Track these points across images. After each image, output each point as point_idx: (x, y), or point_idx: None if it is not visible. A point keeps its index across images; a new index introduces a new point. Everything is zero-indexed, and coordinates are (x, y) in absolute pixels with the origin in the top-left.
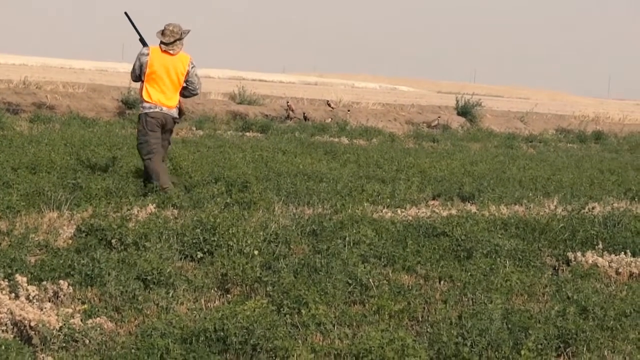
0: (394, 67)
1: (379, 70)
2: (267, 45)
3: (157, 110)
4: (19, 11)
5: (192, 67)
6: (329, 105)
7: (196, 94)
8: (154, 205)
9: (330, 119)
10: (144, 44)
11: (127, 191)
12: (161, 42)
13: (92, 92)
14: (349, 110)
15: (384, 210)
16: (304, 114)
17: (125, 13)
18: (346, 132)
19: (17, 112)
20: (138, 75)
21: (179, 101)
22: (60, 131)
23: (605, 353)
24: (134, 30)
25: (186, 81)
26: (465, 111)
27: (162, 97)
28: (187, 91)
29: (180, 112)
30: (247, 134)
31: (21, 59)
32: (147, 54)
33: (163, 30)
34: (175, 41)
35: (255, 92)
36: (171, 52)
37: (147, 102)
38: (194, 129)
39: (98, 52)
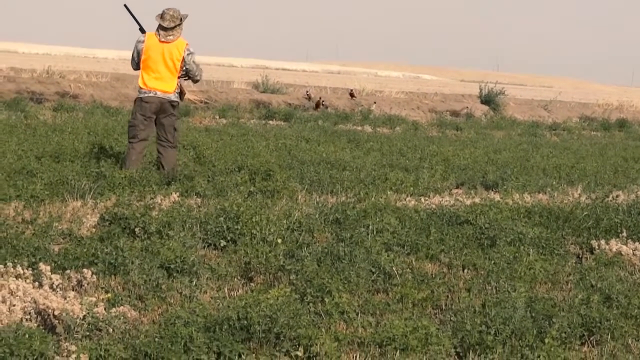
0: (417, 55)
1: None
2: (290, 34)
3: (151, 95)
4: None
5: (188, 54)
6: (352, 95)
7: (197, 81)
8: (177, 193)
9: (354, 109)
10: (143, 32)
11: (150, 180)
12: (159, 27)
13: (116, 81)
14: (374, 103)
15: (407, 199)
16: (320, 101)
17: (125, 5)
18: (369, 120)
19: (40, 102)
20: (137, 63)
21: (178, 83)
22: (84, 120)
23: (630, 341)
24: (134, 21)
25: (185, 69)
26: (488, 99)
27: (158, 83)
28: (189, 73)
29: (181, 93)
30: (270, 122)
31: (44, 48)
32: (143, 41)
33: (162, 14)
34: (175, 27)
35: (279, 80)
36: (170, 38)
37: (142, 88)
38: (217, 117)
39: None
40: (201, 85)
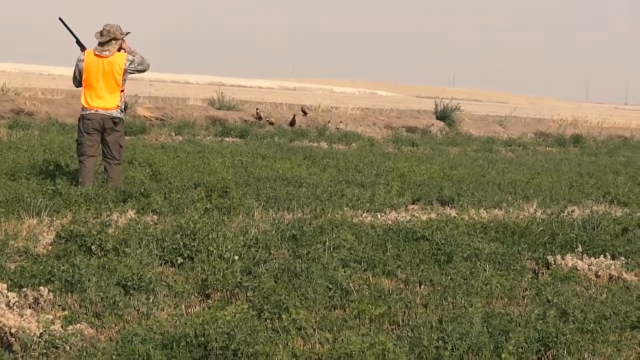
0: (372, 72)
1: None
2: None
3: (92, 112)
4: None
5: (129, 63)
6: (304, 112)
7: (148, 68)
8: (134, 211)
9: (309, 125)
10: (82, 47)
11: (106, 197)
12: (98, 44)
13: (71, 98)
14: (341, 122)
15: (363, 215)
16: (267, 118)
17: (60, 19)
18: (325, 136)
19: None
20: (79, 81)
21: (122, 98)
22: (40, 137)
23: (586, 356)
24: (71, 35)
25: (132, 69)
26: (444, 115)
27: (99, 102)
28: (138, 71)
29: (126, 107)
30: (227, 139)
31: None
32: (83, 60)
33: (101, 31)
34: (110, 40)
35: (234, 97)
36: (105, 53)
37: (84, 107)
38: (173, 134)
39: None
40: (156, 101)
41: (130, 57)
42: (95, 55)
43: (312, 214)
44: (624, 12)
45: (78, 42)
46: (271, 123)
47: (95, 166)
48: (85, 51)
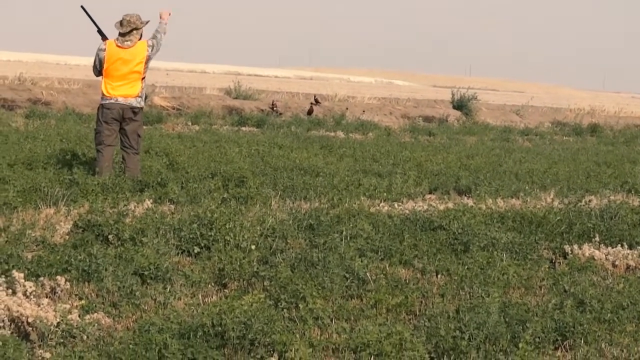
0: (389, 61)
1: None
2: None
3: (112, 101)
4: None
5: (151, 49)
6: (317, 101)
7: (159, 44)
8: (151, 200)
9: (325, 114)
10: (103, 35)
11: (123, 187)
12: (119, 34)
13: (88, 87)
14: (363, 111)
15: (380, 204)
16: (273, 105)
17: (82, 7)
18: (342, 126)
19: (12, 109)
20: (99, 70)
21: (143, 87)
22: (56, 127)
23: (603, 346)
24: (92, 23)
25: (153, 54)
26: (460, 105)
27: (120, 90)
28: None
29: (145, 97)
30: (243, 128)
31: (16, 55)
32: (104, 49)
33: (121, 21)
34: (131, 30)
35: (251, 86)
36: (128, 44)
37: (105, 95)
38: (190, 123)
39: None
40: (173, 91)
41: (151, 42)
42: (117, 46)
43: (329, 204)
44: None
45: (99, 31)
46: (280, 113)
47: (113, 155)
48: (107, 41)
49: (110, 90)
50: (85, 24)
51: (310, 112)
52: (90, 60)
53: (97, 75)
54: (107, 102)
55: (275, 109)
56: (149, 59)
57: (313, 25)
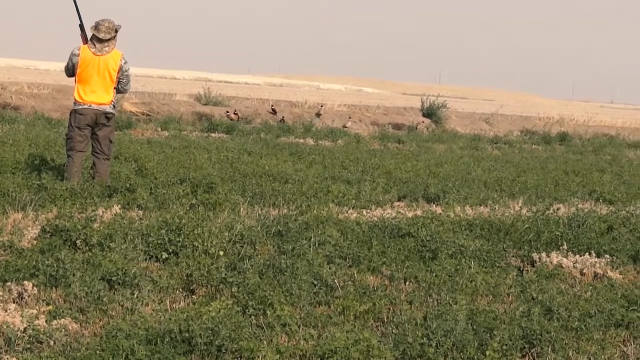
0: (359, 68)
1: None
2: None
3: (85, 107)
4: None
5: (124, 63)
6: (274, 111)
7: (127, 91)
8: (119, 206)
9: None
10: (82, 31)
11: (92, 192)
12: (93, 38)
13: (57, 92)
14: (321, 106)
15: (349, 211)
16: (231, 113)
17: None
18: (311, 133)
19: None
20: (72, 73)
21: (114, 95)
22: (25, 132)
23: (570, 354)
24: (77, 15)
25: (119, 79)
26: (430, 112)
27: (94, 96)
28: (118, 87)
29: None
30: (213, 134)
31: None
32: (78, 54)
33: (97, 26)
34: (110, 39)
35: (221, 93)
36: (106, 50)
37: (78, 101)
38: (159, 129)
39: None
40: (143, 97)
41: (124, 60)
42: (93, 53)
43: (298, 210)
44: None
45: (81, 26)
46: (231, 119)
47: (83, 162)
48: (81, 46)
49: (83, 96)
50: (56, 29)
51: (274, 112)
52: (60, 66)
53: (68, 76)
54: (81, 107)
55: (234, 115)
56: (120, 70)
57: (283, 32)
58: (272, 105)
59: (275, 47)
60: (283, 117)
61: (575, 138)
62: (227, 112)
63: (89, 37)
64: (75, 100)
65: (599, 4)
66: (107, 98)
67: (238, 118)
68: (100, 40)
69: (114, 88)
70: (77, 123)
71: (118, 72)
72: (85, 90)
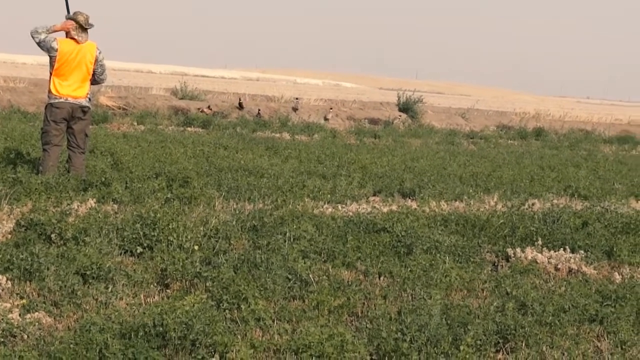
0: (336, 63)
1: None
2: (209, 41)
3: (62, 100)
4: None
5: (99, 53)
6: (241, 106)
7: (103, 81)
8: (94, 200)
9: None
10: (67, 9)
11: (67, 186)
12: (81, 28)
13: (34, 86)
14: (297, 98)
15: (324, 206)
16: (204, 108)
17: None
18: (288, 127)
19: None
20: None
21: (90, 88)
22: (1, 125)
23: (544, 349)
24: (65, 7)
25: (96, 68)
26: (406, 107)
27: (70, 90)
28: (93, 78)
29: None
30: (189, 129)
31: None
32: (57, 49)
33: (75, 17)
34: (86, 30)
35: (197, 87)
36: (81, 39)
37: (54, 94)
38: (136, 123)
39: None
40: (119, 91)
41: (99, 50)
42: (76, 41)
43: (273, 205)
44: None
45: (67, 11)
46: (206, 114)
47: (59, 156)
48: (58, 39)
49: (60, 90)
50: (33, 23)
51: (241, 106)
52: (37, 59)
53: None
54: (57, 101)
55: (207, 109)
56: (97, 61)
57: (261, 26)
58: (240, 100)
59: (253, 41)
60: (259, 111)
61: (551, 133)
62: (199, 107)
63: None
64: (51, 93)
65: (576, 1)
66: (83, 91)
67: (213, 113)
68: (85, 30)
69: (90, 80)
70: (54, 117)
71: (94, 64)
72: (62, 84)
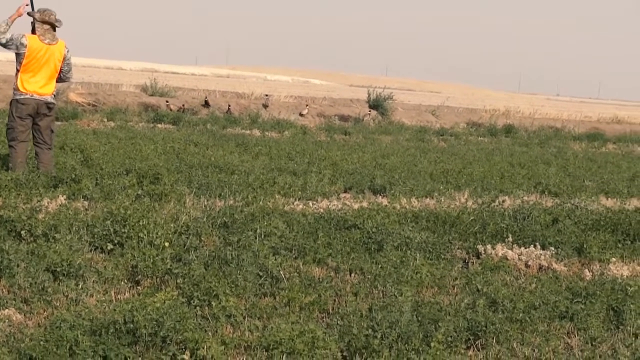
0: (306, 60)
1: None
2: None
3: (27, 97)
4: None
5: (67, 52)
6: (207, 103)
7: (69, 79)
8: (64, 196)
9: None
10: (32, 8)
11: (37, 182)
12: (44, 26)
13: (3, 82)
14: (266, 95)
15: (295, 203)
16: (170, 104)
17: None
18: (258, 124)
19: None
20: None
21: (56, 85)
22: None
23: (514, 345)
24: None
25: (63, 67)
26: (377, 104)
27: (37, 87)
28: (59, 76)
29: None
30: (159, 125)
31: None
32: (26, 45)
33: (49, 15)
34: (55, 28)
35: (167, 84)
36: (55, 39)
37: (20, 90)
38: (105, 120)
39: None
40: (89, 87)
41: (67, 49)
42: (44, 43)
43: (244, 202)
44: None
45: (32, 3)
46: (171, 109)
47: (27, 151)
48: (27, 36)
49: (27, 86)
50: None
51: (207, 104)
52: (5, 56)
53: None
54: (22, 97)
55: (173, 106)
56: (65, 59)
57: (230, 23)
58: (206, 98)
59: (222, 38)
60: (229, 107)
61: (521, 130)
62: (167, 101)
63: (36, 25)
64: (17, 89)
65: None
66: (50, 88)
67: (183, 110)
68: (55, 29)
69: (56, 78)
70: (19, 113)
71: (62, 62)
72: (30, 81)
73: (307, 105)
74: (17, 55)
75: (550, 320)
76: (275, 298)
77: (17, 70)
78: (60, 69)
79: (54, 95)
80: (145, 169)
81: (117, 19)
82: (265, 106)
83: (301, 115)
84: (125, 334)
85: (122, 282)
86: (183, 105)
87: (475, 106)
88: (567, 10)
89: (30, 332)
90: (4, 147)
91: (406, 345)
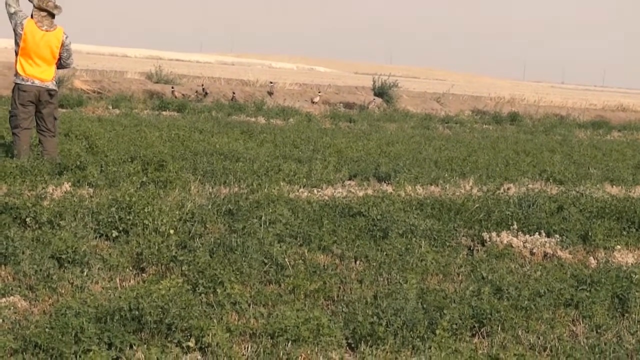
0: (311, 47)
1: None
2: (185, 25)
3: (29, 83)
4: None
5: (66, 38)
6: (204, 91)
7: (69, 65)
8: (69, 183)
9: (247, 100)
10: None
11: (42, 169)
12: (42, 12)
13: (7, 69)
14: (271, 83)
15: (300, 190)
16: (176, 91)
17: None
18: (263, 112)
19: None
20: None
21: (56, 72)
22: None
23: (519, 333)
24: None
25: (63, 52)
26: (381, 92)
27: (37, 71)
28: (59, 62)
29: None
30: (164, 113)
31: None
32: (24, 27)
33: (44, 2)
34: (54, 16)
35: (172, 71)
36: (53, 26)
37: (21, 75)
38: (111, 107)
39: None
40: (94, 75)
41: (66, 35)
42: (40, 28)
43: (249, 189)
44: None
45: None
46: (176, 96)
47: (30, 138)
48: (28, 19)
49: (26, 69)
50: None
51: (205, 93)
52: (10, 42)
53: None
54: (24, 83)
55: (178, 93)
56: (63, 45)
57: (236, 10)
58: (202, 85)
59: (228, 25)
60: (234, 94)
61: (526, 118)
62: (173, 88)
63: (34, 11)
64: (17, 73)
65: None
66: (50, 74)
67: (196, 94)
68: (53, 16)
69: (56, 64)
70: (21, 100)
71: (61, 48)
72: (29, 64)
73: (319, 92)
74: (15, 35)
75: (555, 308)
76: (280, 285)
77: (16, 53)
78: (60, 56)
79: (55, 82)
80: (150, 156)
81: (122, 6)
82: (270, 93)
83: (313, 102)
84: (131, 321)
85: (127, 269)
86: (173, 93)
87: (480, 94)
88: None
89: (36, 319)
90: (9, 134)
91: (411, 332)
